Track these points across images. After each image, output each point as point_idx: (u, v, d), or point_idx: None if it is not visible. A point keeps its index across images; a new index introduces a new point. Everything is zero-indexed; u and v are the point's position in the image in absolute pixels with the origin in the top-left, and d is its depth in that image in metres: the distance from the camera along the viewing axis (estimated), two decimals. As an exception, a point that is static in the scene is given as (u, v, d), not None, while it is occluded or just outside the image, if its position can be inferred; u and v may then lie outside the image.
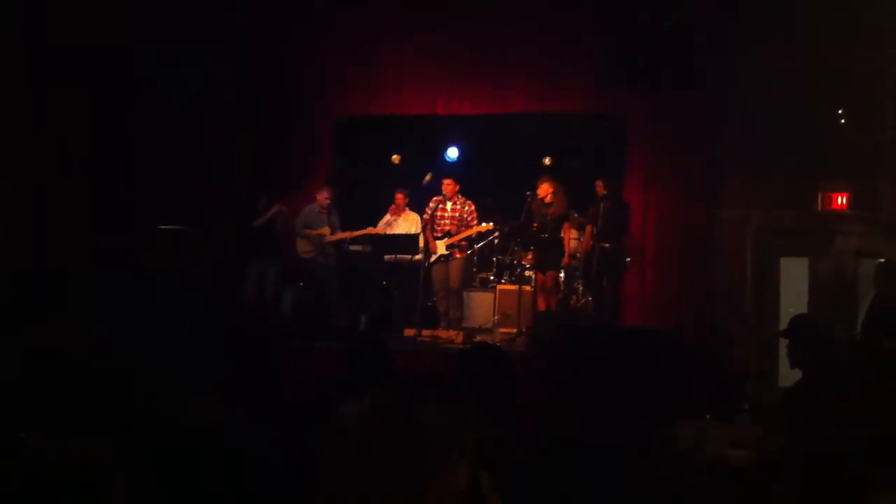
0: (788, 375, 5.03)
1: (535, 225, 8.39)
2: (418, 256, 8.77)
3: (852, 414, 2.04)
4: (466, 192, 8.89)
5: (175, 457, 2.08)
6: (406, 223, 9.38)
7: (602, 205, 8.31)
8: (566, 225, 8.54)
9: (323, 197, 9.01)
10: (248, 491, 2.09)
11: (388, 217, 9.40)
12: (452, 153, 10.48)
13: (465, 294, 9.08)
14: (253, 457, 2.16)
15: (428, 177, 8.98)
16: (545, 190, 8.42)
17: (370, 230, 9.14)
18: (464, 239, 8.72)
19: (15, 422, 2.30)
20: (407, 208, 9.42)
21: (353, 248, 9.52)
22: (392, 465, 2.03)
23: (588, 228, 8.67)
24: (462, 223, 8.67)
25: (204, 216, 8.91)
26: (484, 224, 8.63)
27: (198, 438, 2.11)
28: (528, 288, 8.74)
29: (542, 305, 8.43)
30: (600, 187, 8.49)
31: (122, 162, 8.98)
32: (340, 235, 9.13)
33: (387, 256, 9.37)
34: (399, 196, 9.40)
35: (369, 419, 2.30)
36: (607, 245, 8.33)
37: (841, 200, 8.01)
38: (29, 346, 2.47)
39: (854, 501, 1.74)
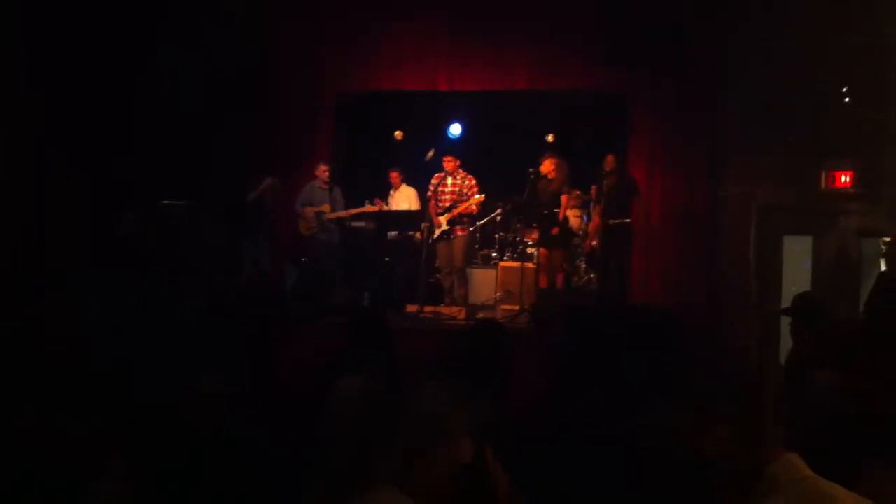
0: (790, 354, 5.02)
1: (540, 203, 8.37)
2: (418, 234, 8.77)
3: (851, 394, 2.03)
4: (469, 168, 8.85)
5: (173, 438, 2.08)
6: (402, 197, 9.40)
7: (606, 181, 8.27)
8: (565, 199, 8.49)
9: (321, 171, 8.99)
10: (247, 472, 2.09)
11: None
12: (455, 129, 10.42)
13: (467, 271, 9.08)
14: (252, 437, 2.17)
15: (430, 153, 8.95)
16: (548, 167, 8.38)
17: (368, 208, 9.10)
18: (465, 216, 8.68)
19: (13, 403, 2.30)
20: (403, 183, 9.43)
21: (356, 224, 9.51)
22: (390, 442, 2.03)
23: (598, 207, 8.62)
24: (462, 198, 8.65)
25: (203, 194, 8.87)
26: (477, 196, 8.60)
27: (196, 419, 2.11)
28: (530, 265, 8.73)
29: (544, 283, 8.42)
30: (609, 163, 8.44)
31: (123, 139, 8.93)
32: (340, 213, 9.10)
33: (390, 233, 9.36)
34: (393, 175, 9.44)
35: (366, 396, 2.31)
36: (612, 222, 8.31)
37: (844, 179, 7.97)
38: (27, 326, 2.46)
39: (848, 485, 1.73)
